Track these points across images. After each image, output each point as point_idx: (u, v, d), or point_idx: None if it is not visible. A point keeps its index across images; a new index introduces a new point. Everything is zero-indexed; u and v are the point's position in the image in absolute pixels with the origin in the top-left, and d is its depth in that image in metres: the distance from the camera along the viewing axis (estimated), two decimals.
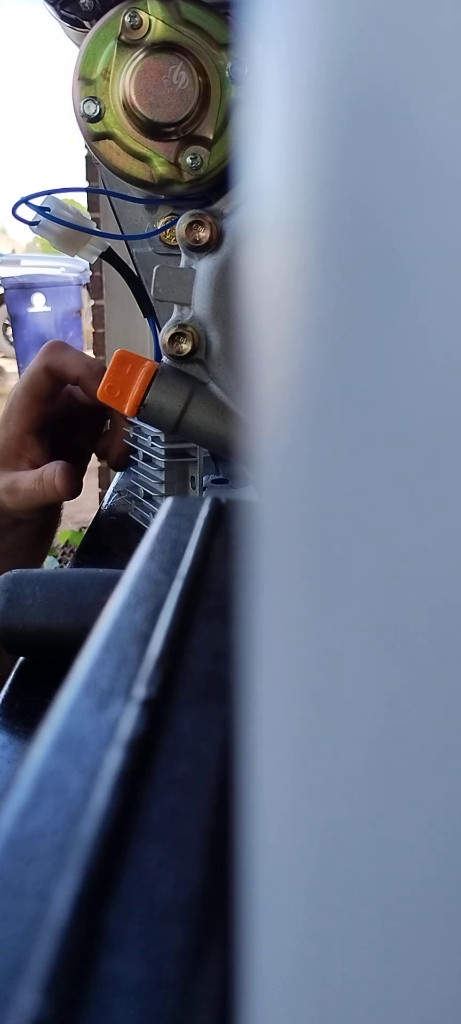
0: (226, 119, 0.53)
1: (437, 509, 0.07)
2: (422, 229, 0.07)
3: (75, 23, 0.56)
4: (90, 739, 0.16)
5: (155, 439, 0.60)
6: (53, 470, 0.62)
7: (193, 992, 0.12)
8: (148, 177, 0.54)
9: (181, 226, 0.52)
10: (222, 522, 0.28)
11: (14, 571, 0.40)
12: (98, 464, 2.28)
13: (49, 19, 0.59)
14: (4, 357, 6.19)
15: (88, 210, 2.00)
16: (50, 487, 0.62)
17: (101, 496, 2.34)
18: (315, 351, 0.08)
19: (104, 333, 2.34)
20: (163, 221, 0.60)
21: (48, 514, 0.69)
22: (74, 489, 0.62)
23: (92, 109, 0.53)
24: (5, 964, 0.12)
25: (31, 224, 0.58)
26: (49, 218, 0.57)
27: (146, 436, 0.61)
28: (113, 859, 0.14)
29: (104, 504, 0.73)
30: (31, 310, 4.98)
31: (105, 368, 0.56)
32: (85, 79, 0.53)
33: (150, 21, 0.52)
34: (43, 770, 0.16)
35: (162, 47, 0.52)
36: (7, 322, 5.57)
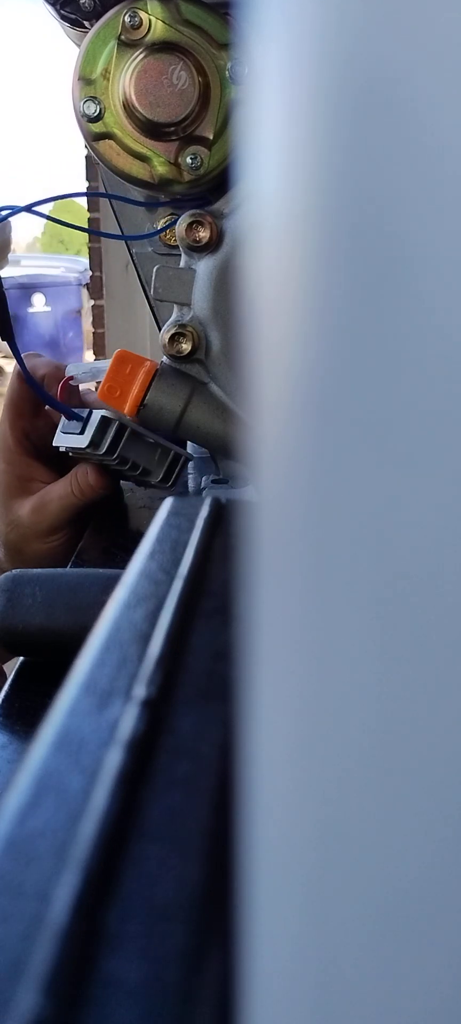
0: (226, 119, 0.53)
1: (437, 507, 0.07)
2: (424, 228, 0.07)
3: (75, 23, 0.56)
4: (90, 739, 0.16)
5: (105, 454, 0.58)
6: (84, 469, 0.62)
7: (193, 992, 0.12)
8: (148, 177, 0.54)
9: (181, 226, 0.52)
10: (222, 522, 0.28)
11: (14, 571, 0.40)
12: None
13: (49, 19, 0.59)
14: (4, 357, 6.19)
15: (88, 210, 1.99)
16: (85, 484, 0.61)
17: None
18: (315, 351, 0.08)
19: (104, 333, 2.34)
20: (163, 221, 0.60)
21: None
22: (108, 484, 0.62)
23: (92, 109, 0.53)
24: (5, 964, 0.12)
25: None
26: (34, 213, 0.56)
27: (87, 454, 0.59)
28: (113, 859, 0.14)
29: None
30: (31, 310, 4.98)
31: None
32: (85, 79, 0.53)
33: (150, 21, 0.52)
34: (43, 770, 0.16)
35: (162, 47, 0.52)
36: None
